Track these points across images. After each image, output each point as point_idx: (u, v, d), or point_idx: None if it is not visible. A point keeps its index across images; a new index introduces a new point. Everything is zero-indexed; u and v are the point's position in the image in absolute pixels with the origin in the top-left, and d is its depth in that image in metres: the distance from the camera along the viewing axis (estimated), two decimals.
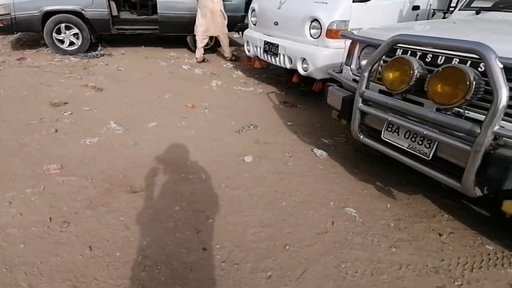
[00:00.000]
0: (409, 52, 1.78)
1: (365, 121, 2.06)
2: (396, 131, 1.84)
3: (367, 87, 1.93)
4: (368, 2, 3.39)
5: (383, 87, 1.89)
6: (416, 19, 3.85)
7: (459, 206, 2.13)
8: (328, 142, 3.00)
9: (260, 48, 4.07)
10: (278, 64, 3.87)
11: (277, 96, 4.16)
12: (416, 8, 3.77)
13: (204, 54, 5.40)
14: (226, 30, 5.36)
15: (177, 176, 2.32)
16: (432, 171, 1.67)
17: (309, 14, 3.45)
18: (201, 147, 2.74)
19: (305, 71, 3.57)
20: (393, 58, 1.76)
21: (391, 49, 1.79)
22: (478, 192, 1.52)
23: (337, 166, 2.60)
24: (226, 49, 5.49)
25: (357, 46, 2.28)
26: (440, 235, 1.90)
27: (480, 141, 1.38)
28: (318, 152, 2.77)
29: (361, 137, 2.07)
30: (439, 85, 1.51)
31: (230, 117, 3.38)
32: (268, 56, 3.97)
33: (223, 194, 2.16)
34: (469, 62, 1.48)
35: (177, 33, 5.88)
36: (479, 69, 1.45)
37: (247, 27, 4.50)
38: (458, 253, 1.77)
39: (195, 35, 5.31)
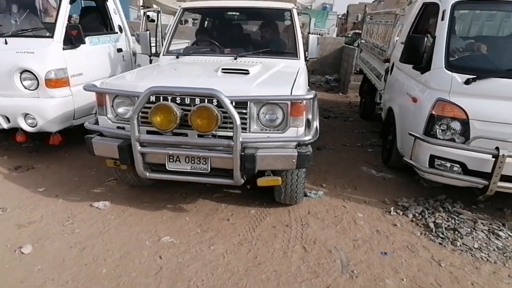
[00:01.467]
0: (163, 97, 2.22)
1: (145, 160, 2.31)
2: (178, 160, 2.28)
3: (139, 132, 2.19)
4: (78, 48, 3.44)
5: (150, 128, 2.23)
6: (123, 60, 4.36)
7: (225, 194, 2.95)
8: (102, 191, 2.94)
9: None
10: None
11: (1, 164, 3.31)
12: (120, 50, 4.24)
13: None
14: None
15: None
16: (213, 179, 2.28)
17: (16, 65, 3.01)
18: None
19: (33, 126, 3.13)
20: (156, 105, 2.13)
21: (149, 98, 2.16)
22: (242, 181, 2.29)
23: (126, 209, 2.67)
24: None
25: (107, 96, 2.42)
26: (227, 220, 2.60)
27: (235, 149, 2.10)
28: (100, 204, 2.68)
29: (147, 174, 2.32)
30: (198, 119, 2.08)
31: None
32: None
33: None
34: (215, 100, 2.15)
35: None
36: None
37: None
38: (243, 225, 2.54)
39: None
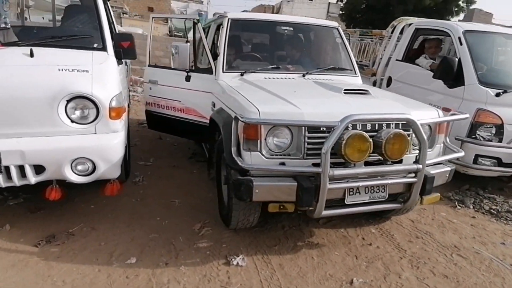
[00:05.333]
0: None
1: None
2: (358, 192, 2.09)
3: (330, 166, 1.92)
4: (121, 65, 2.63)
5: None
6: (127, 73, 3.53)
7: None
8: (210, 243, 2.35)
9: None
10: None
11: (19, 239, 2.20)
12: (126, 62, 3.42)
13: None
14: None
15: None
16: (387, 205, 2.21)
17: (64, 89, 2.05)
18: None
19: (88, 174, 2.23)
20: (352, 135, 1.91)
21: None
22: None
23: (269, 258, 2.24)
24: None
25: (263, 128, 1.99)
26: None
27: (422, 172, 2.11)
28: (238, 260, 2.16)
29: (323, 212, 2.04)
30: (395, 146, 1.99)
31: None
32: None
33: None
34: (400, 124, 2.08)
35: None
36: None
37: None
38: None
39: None
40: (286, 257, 2.29)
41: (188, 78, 3.24)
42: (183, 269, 2.07)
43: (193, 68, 3.26)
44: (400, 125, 2.09)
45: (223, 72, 2.98)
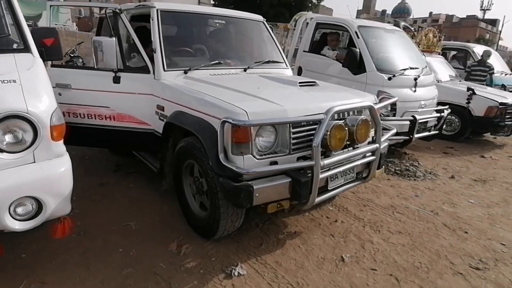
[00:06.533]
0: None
1: None
2: (336, 177, 2.26)
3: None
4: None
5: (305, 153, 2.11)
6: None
7: None
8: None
9: None
10: None
11: None
12: None
13: None
14: None
15: None
16: (354, 183, 2.47)
17: None
18: None
19: (31, 218, 1.69)
20: (334, 125, 2.03)
21: None
22: None
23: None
24: None
25: (252, 130, 1.90)
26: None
27: (379, 150, 2.43)
28: (238, 270, 2.05)
29: (317, 199, 2.14)
30: (362, 131, 2.23)
31: None
32: None
33: None
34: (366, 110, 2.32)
35: None
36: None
37: None
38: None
39: None
40: (277, 253, 2.31)
41: (117, 80, 2.74)
42: None
43: (123, 67, 2.77)
44: (362, 112, 2.36)
45: (164, 70, 2.66)
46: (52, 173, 1.69)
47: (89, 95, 2.81)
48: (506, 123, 5.53)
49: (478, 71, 7.10)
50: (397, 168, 4.16)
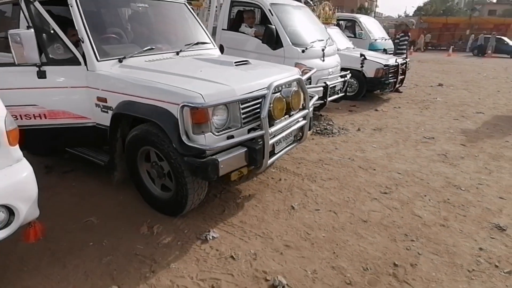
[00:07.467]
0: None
1: None
2: (280, 142, 2.66)
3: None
4: None
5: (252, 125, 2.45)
6: None
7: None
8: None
9: None
10: None
11: None
12: None
13: None
14: None
15: None
16: (293, 145, 2.92)
17: None
18: None
19: (6, 225, 1.67)
20: (276, 98, 2.39)
21: None
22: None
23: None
24: None
25: (210, 110, 2.12)
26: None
27: (308, 114, 2.92)
28: (211, 234, 2.33)
29: (269, 161, 2.51)
30: (296, 100, 2.66)
31: None
32: None
33: None
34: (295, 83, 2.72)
35: None
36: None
37: None
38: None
39: None
40: (239, 214, 2.66)
41: (42, 74, 2.56)
42: (174, 266, 2.06)
43: (46, 61, 2.57)
44: (292, 84, 2.77)
45: (98, 61, 2.59)
46: (18, 179, 1.66)
47: (13, 94, 2.57)
48: (389, 81, 6.81)
49: (405, 41, 8.50)
50: (317, 129, 4.86)
